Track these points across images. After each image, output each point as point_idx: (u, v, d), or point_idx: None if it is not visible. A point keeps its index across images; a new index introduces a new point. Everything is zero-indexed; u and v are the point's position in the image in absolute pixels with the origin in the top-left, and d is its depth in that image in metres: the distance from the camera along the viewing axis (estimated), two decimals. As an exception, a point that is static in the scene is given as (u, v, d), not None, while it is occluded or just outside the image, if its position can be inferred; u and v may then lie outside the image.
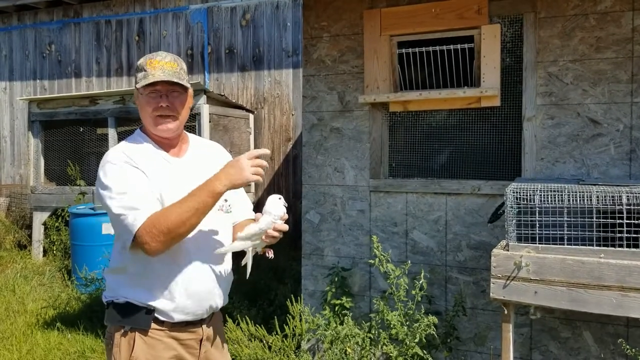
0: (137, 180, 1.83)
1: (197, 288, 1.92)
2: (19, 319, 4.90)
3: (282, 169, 7.28)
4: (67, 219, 6.46)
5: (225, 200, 2.03)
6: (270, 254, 1.96)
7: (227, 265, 2.06)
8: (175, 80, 1.88)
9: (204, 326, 2.01)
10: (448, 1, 3.41)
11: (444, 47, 3.43)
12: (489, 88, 3.32)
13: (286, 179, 7.27)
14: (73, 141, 7.05)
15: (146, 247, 1.77)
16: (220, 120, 6.50)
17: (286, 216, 1.90)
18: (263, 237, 1.87)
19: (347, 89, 3.75)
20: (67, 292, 5.56)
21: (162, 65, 1.89)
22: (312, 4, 3.83)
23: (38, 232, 7.15)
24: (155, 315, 1.89)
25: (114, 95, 6.70)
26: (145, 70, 1.89)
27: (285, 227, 1.89)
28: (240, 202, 2.12)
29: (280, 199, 1.89)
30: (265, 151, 1.82)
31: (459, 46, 3.39)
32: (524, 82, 3.27)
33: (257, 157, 1.80)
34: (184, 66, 1.98)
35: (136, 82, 1.92)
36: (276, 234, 1.87)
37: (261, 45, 7.33)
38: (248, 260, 1.98)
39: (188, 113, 2.00)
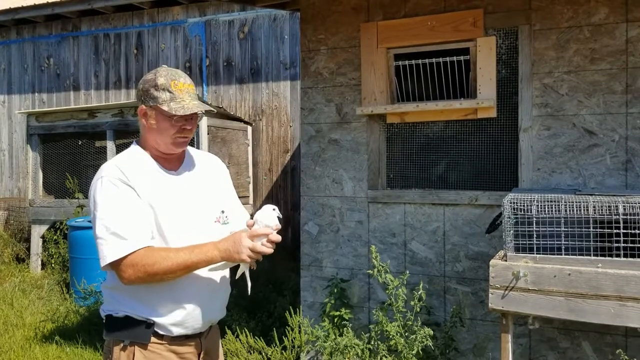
0: (128, 203, 1.82)
1: (196, 302, 1.93)
2: (18, 332, 4.89)
3: (280, 181, 7.30)
4: (66, 231, 6.45)
5: (222, 212, 2.04)
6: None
7: (225, 279, 2.07)
8: (205, 109, 1.92)
9: (202, 339, 2.01)
10: (444, 14, 3.45)
11: (440, 59, 3.46)
12: (485, 99, 3.35)
13: (284, 190, 7.28)
14: (71, 154, 7.06)
15: (124, 276, 1.80)
16: (219, 132, 6.52)
17: (279, 227, 1.87)
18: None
19: (344, 100, 3.78)
20: (66, 306, 5.55)
21: (187, 89, 1.91)
22: (310, 17, 3.87)
23: (36, 245, 7.14)
24: (155, 329, 1.89)
25: (113, 108, 6.72)
26: (170, 92, 1.88)
27: (278, 238, 1.84)
28: (237, 212, 2.13)
29: (274, 209, 1.86)
30: (268, 231, 1.82)
31: (455, 58, 3.43)
32: (519, 94, 3.30)
33: (262, 235, 1.81)
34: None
35: (156, 101, 1.88)
36: (270, 246, 1.83)
37: (259, 58, 7.37)
38: (246, 276, 1.96)
39: None
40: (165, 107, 1.87)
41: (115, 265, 1.79)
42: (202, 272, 1.94)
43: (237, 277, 2.00)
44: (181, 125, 1.91)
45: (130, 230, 1.79)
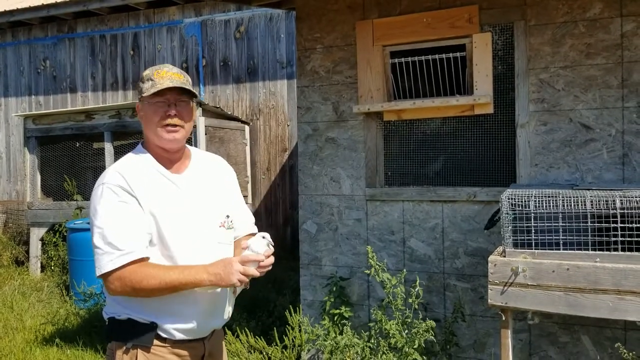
0: (126, 214, 1.81)
1: (200, 309, 1.92)
2: (18, 335, 4.88)
3: (279, 180, 7.30)
4: (65, 234, 6.45)
5: (227, 217, 2.02)
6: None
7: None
8: (178, 85, 1.88)
9: (206, 342, 2.00)
10: (439, 11, 3.45)
11: (437, 56, 3.46)
12: (481, 96, 3.35)
13: (283, 189, 7.28)
14: (69, 156, 7.05)
15: (111, 287, 1.80)
16: (216, 132, 6.52)
17: (270, 251, 1.88)
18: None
19: (341, 99, 3.78)
20: (66, 308, 5.54)
21: (170, 76, 1.90)
22: (305, 16, 3.87)
23: (35, 247, 7.13)
24: (158, 332, 1.88)
25: (110, 109, 6.72)
26: (152, 80, 1.88)
27: (269, 262, 1.86)
28: (241, 215, 2.12)
29: (264, 237, 1.89)
30: (260, 257, 1.83)
31: (451, 55, 3.43)
32: (516, 89, 3.30)
33: (253, 261, 1.82)
34: (189, 79, 1.98)
35: (141, 93, 1.90)
36: (261, 271, 1.85)
37: (255, 57, 7.37)
38: (228, 300, 1.97)
39: (192, 125, 2.00)
40: (145, 94, 1.89)
41: (105, 276, 1.79)
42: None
43: (224, 317, 1.99)
44: (165, 111, 1.88)
45: (125, 242, 1.78)
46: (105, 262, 1.77)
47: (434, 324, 3.13)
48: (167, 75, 1.89)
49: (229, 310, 1.99)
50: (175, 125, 1.90)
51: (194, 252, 1.88)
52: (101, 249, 1.78)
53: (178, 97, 1.91)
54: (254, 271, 1.82)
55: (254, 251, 1.86)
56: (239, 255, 1.87)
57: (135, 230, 1.81)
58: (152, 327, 1.88)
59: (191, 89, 1.92)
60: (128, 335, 1.89)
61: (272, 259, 1.88)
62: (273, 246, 1.90)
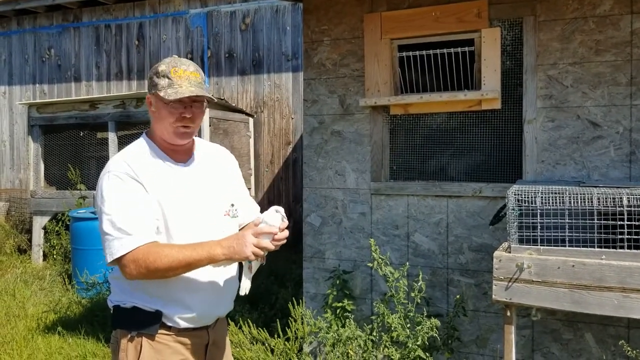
0: (134, 199, 1.81)
1: (203, 297, 1.92)
2: (20, 323, 4.90)
3: (282, 173, 7.29)
4: (68, 223, 6.45)
5: (232, 205, 2.03)
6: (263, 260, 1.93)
7: (233, 273, 2.06)
8: (199, 94, 1.87)
9: (210, 330, 2.01)
10: (448, 5, 3.43)
11: (445, 51, 3.44)
12: (489, 91, 3.33)
13: (286, 182, 7.28)
14: (73, 145, 7.06)
15: (126, 271, 1.78)
16: (220, 124, 6.52)
17: (285, 224, 1.86)
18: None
19: (348, 92, 3.77)
20: (68, 297, 5.56)
21: (188, 76, 1.88)
22: (313, 8, 3.85)
23: (38, 236, 7.14)
24: (163, 320, 1.89)
25: (114, 99, 6.71)
26: (169, 79, 1.86)
27: (284, 235, 1.85)
28: (246, 204, 2.13)
29: (277, 211, 1.86)
30: (273, 230, 1.81)
31: (459, 49, 3.41)
32: (524, 85, 3.29)
33: (267, 233, 1.80)
34: (203, 75, 1.97)
35: (156, 88, 1.87)
36: (275, 244, 1.84)
37: (261, 49, 7.35)
38: (246, 277, 1.94)
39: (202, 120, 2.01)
40: (162, 94, 1.86)
41: (118, 260, 1.79)
42: (210, 267, 1.93)
43: (241, 293, 1.95)
44: (180, 112, 1.87)
45: (135, 226, 1.78)
46: (117, 247, 1.77)
47: (438, 323, 3.13)
48: (184, 75, 1.87)
49: (245, 287, 1.93)
50: (189, 126, 1.90)
51: (199, 240, 1.87)
52: (111, 235, 1.78)
53: (195, 97, 1.90)
54: (268, 243, 1.80)
55: (268, 224, 1.82)
56: (252, 229, 1.83)
57: (144, 215, 1.81)
58: (157, 316, 1.88)
59: (206, 93, 1.90)
60: (133, 324, 1.89)
61: (286, 233, 1.85)
62: (284, 219, 1.87)
